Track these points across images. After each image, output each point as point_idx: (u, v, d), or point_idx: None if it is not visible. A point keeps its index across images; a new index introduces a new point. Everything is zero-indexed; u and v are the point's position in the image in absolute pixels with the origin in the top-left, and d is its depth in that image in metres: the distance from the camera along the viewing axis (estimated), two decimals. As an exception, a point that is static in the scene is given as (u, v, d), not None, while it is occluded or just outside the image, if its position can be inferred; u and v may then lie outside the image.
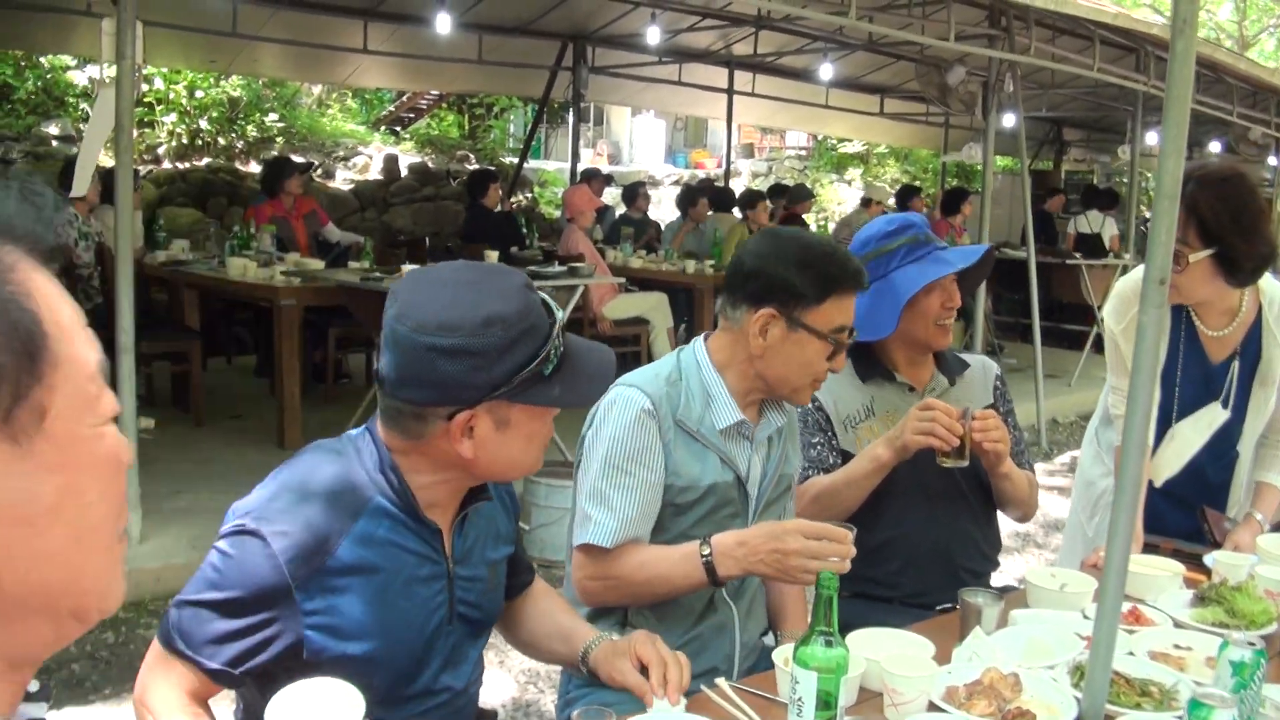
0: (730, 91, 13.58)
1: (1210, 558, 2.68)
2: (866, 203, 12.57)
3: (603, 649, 1.98)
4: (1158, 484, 2.99)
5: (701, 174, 20.95)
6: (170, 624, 1.69)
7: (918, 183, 18.76)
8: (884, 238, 2.75)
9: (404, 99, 20.06)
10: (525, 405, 1.72)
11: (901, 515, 2.76)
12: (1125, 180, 15.15)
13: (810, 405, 2.79)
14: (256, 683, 1.72)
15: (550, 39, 11.90)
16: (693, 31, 11.41)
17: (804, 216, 12.74)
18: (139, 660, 1.76)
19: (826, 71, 11.45)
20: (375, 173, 16.34)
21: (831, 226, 15.77)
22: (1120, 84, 9.72)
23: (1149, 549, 2.84)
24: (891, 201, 12.99)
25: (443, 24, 8.87)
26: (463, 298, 1.68)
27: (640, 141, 27.00)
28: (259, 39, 10.51)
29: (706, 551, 2.18)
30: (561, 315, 1.78)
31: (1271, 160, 15.27)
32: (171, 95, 15.93)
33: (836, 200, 21.19)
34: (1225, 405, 2.92)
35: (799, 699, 1.72)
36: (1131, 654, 2.17)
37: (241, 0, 9.45)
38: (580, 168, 13.27)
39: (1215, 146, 17.32)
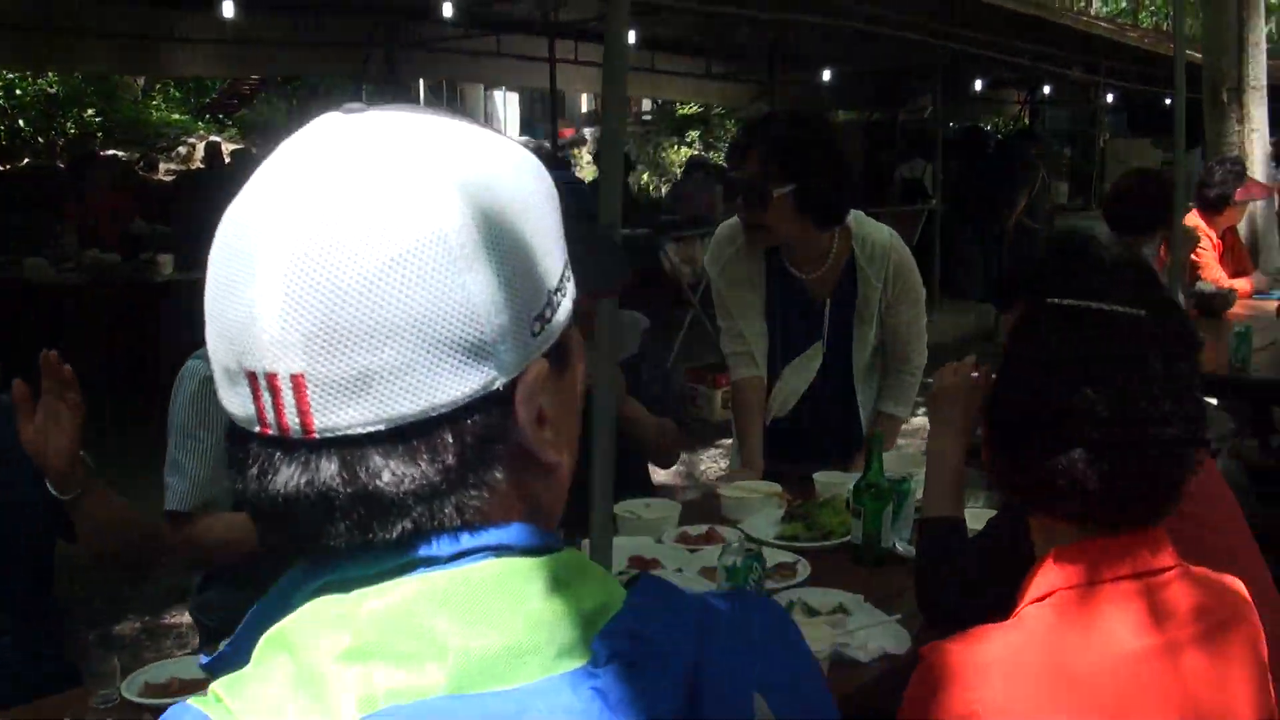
0: (552, 60, 13.63)
1: (817, 477, 2.89)
2: (693, 167, 12.62)
3: None
4: (768, 420, 3.16)
5: (561, 143, 20.90)
6: None
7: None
8: None
9: (227, 85, 19.70)
10: None
11: None
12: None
13: None
14: None
15: (360, 16, 11.88)
16: (507, 2, 11.43)
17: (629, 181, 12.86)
18: None
19: (631, 35, 11.56)
20: (198, 162, 16.06)
21: (665, 190, 15.94)
22: (901, 35, 10.00)
23: (772, 477, 3.01)
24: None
25: (227, 9, 8.85)
26: None
27: (497, 116, 26.85)
28: (72, 33, 10.43)
29: None
30: None
31: (1109, 98, 15.89)
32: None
33: (678, 163, 21.34)
34: (826, 343, 3.10)
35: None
36: (680, 570, 2.39)
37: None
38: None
39: (1046, 89, 18.06)
